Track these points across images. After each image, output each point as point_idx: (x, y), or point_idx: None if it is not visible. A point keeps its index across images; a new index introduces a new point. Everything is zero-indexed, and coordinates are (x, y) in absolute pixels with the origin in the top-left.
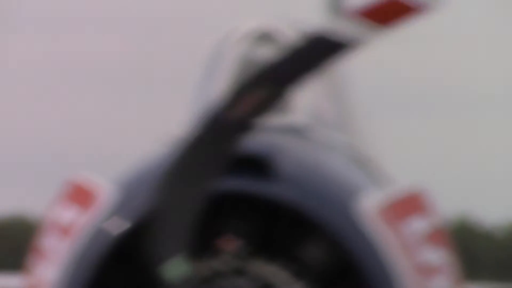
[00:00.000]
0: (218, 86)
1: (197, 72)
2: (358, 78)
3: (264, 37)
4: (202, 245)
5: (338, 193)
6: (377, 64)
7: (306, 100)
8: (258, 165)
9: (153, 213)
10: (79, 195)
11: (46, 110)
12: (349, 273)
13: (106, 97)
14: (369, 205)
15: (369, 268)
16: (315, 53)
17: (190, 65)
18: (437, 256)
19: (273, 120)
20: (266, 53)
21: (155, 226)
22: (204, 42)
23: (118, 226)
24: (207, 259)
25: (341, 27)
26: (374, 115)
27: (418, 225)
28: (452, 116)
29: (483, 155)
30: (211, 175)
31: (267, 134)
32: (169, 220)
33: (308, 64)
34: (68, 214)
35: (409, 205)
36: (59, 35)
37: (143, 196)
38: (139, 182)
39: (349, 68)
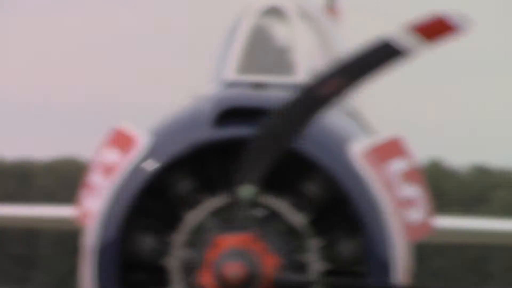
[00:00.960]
0: (236, 51)
1: (217, 41)
2: (349, 45)
3: (272, 11)
4: (224, 178)
5: (333, 140)
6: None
7: (308, 64)
8: (263, 114)
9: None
10: (121, 140)
11: (99, 68)
12: (341, 204)
13: (144, 62)
14: (358, 149)
15: (357, 200)
16: (379, 57)
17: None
18: (412, 191)
19: (284, 79)
20: (273, 24)
21: (245, 156)
22: (225, 17)
23: (152, 166)
24: (226, 191)
25: (400, 38)
26: None
27: (397, 166)
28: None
29: (450, 111)
30: (294, 134)
31: (277, 92)
32: (256, 155)
33: (374, 64)
34: (111, 156)
35: (390, 149)
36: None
37: (172, 141)
38: (169, 130)
39: (342, 39)
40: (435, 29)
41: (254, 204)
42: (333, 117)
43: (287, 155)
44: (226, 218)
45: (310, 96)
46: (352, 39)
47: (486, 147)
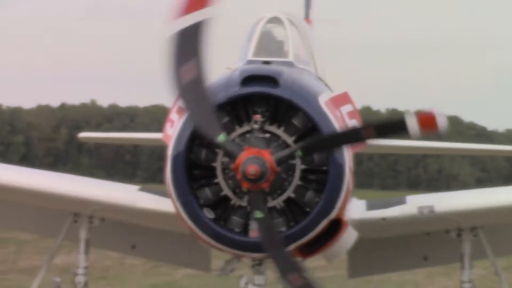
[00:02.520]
0: (252, 43)
1: (239, 40)
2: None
3: (273, 19)
4: (247, 118)
5: (310, 93)
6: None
7: (294, 51)
8: (273, 79)
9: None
10: None
11: None
12: (314, 131)
13: None
14: (324, 99)
15: (324, 127)
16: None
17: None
18: (353, 122)
19: (280, 59)
20: (276, 29)
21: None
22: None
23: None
24: (248, 123)
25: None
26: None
27: (345, 109)
28: None
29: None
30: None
31: (278, 67)
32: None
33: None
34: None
35: (342, 99)
36: None
37: (218, 93)
38: (217, 87)
39: (313, 36)
40: (429, 123)
41: (263, 131)
42: (309, 80)
43: (284, 102)
44: (247, 139)
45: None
46: (319, 37)
47: None
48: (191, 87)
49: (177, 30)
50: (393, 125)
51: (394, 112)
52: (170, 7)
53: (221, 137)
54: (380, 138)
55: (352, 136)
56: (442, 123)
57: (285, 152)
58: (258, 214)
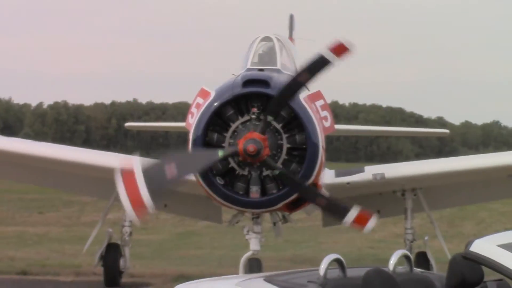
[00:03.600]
0: (251, 55)
1: (244, 52)
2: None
3: (266, 38)
4: (247, 110)
5: None
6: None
7: (281, 61)
8: (265, 82)
9: None
10: (203, 93)
11: None
12: (296, 120)
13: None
14: (303, 96)
15: (303, 117)
16: (319, 63)
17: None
18: (325, 113)
19: (271, 67)
20: (267, 45)
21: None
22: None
23: (217, 103)
24: (247, 114)
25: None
26: None
27: (318, 103)
28: None
29: None
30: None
31: (269, 72)
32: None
33: (317, 68)
34: (199, 100)
35: (316, 96)
36: None
37: (225, 92)
38: (223, 88)
39: (295, 51)
40: (340, 49)
41: (259, 120)
42: None
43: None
44: (248, 127)
45: (293, 82)
46: (300, 52)
47: None
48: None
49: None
50: (318, 62)
51: (354, 106)
52: None
53: (219, 154)
54: (314, 76)
55: (295, 84)
56: (371, 224)
57: (262, 123)
58: (275, 171)
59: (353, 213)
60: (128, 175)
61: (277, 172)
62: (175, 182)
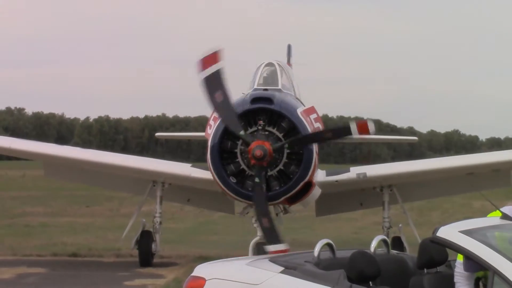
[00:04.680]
0: (257, 77)
1: (251, 75)
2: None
3: (269, 64)
4: (254, 122)
5: (292, 107)
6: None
7: (282, 82)
8: (270, 100)
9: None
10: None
11: None
12: (295, 130)
13: None
14: (300, 110)
15: (300, 127)
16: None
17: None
18: (318, 125)
19: (274, 87)
20: (270, 69)
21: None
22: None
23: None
24: (255, 126)
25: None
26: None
27: (312, 116)
28: None
29: None
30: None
31: (272, 92)
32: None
33: None
34: (215, 114)
35: (310, 110)
36: None
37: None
38: (236, 104)
39: (293, 74)
40: (363, 128)
41: (265, 130)
42: (292, 100)
43: (276, 114)
44: (254, 135)
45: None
46: (296, 73)
47: None
48: (222, 105)
49: (204, 76)
50: (342, 129)
51: (341, 118)
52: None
53: (241, 132)
54: (335, 138)
55: (319, 137)
56: (371, 127)
57: (279, 144)
58: (257, 179)
59: (277, 247)
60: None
61: (256, 180)
62: (213, 103)
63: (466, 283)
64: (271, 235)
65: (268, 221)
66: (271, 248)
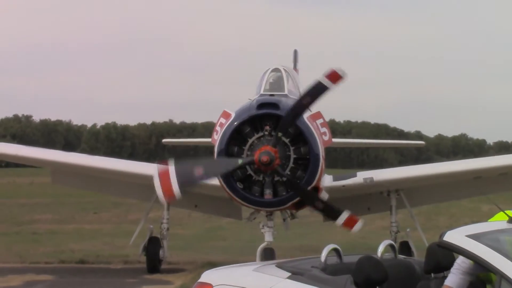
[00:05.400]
0: (263, 83)
1: (257, 81)
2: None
3: (275, 69)
4: (261, 128)
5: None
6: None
7: (288, 88)
8: (276, 105)
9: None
10: (225, 114)
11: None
12: (301, 135)
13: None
14: (306, 115)
15: (306, 132)
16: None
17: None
18: (324, 129)
19: (280, 93)
20: (276, 75)
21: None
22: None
23: (237, 123)
24: (261, 131)
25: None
26: None
27: (319, 121)
28: None
29: None
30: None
31: (278, 97)
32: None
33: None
34: (222, 119)
35: (316, 115)
36: None
37: (242, 114)
38: (241, 110)
39: (299, 80)
40: (335, 76)
41: (271, 135)
42: None
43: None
44: (262, 141)
45: (298, 105)
46: (303, 80)
47: None
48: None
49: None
50: (315, 86)
51: (348, 123)
52: None
53: (239, 162)
54: (315, 99)
55: (299, 107)
56: (342, 72)
57: (274, 139)
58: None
59: (344, 216)
60: (163, 171)
61: (284, 178)
62: (202, 180)
63: (460, 276)
64: (331, 212)
65: (320, 202)
66: (339, 221)
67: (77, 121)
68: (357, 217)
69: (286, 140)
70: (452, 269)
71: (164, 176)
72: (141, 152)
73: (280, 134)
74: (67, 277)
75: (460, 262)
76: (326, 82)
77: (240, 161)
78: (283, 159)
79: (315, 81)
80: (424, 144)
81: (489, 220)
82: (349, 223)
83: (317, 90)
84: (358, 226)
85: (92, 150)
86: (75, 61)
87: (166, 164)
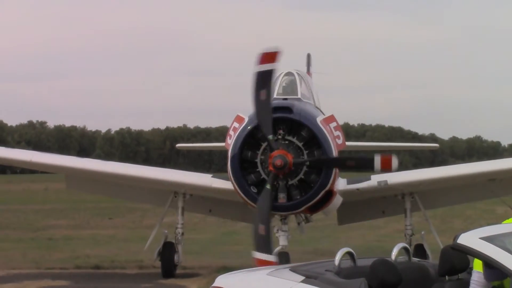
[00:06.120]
0: (276, 90)
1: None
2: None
3: (288, 73)
4: (274, 131)
5: (311, 116)
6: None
7: (301, 91)
8: (289, 109)
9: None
10: (239, 118)
11: None
12: (315, 139)
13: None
14: (320, 119)
15: (320, 136)
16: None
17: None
18: (338, 133)
19: (293, 97)
20: (290, 78)
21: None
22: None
23: (250, 127)
24: (275, 135)
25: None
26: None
27: (332, 124)
28: None
29: None
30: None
31: (292, 101)
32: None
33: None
34: (236, 124)
35: (330, 119)
36: None
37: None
38: (253, 116)
39: (312, 83)
40: (386, 163)
41: (285, 139)
42: (312, 109)
43: (295, 123)
44: (275, 145)
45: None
46: (315, 82)
47: None
48: (262, 104)
49: (258, 71)
50: (366, 161)
51: (362, 126)
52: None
53: (270, 136)
54: (356, 168)
55: (340, 163)
56: (394, 163)
57: (300, 160)
58: (267, 186)
59: (378, 160)
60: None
61: (308, 163)
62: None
63: None
64: (263, 243)
65: (265, 229)
66: (257, 255)
67: (91, 126)
68: (389, 155)
69: (300, 144)
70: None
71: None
72: (156, 157)
73: (307, 164)
74: (83, 283)
75: (476, 279)
76: (377, 163)
77: (268, 186)
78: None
79: (370, 156)
80: (438, 146)
81: (503, 222)
82: (386, 164)
83: (364, 165)
84: (394, 162)
85: (107, 156)
86: (89, 67)
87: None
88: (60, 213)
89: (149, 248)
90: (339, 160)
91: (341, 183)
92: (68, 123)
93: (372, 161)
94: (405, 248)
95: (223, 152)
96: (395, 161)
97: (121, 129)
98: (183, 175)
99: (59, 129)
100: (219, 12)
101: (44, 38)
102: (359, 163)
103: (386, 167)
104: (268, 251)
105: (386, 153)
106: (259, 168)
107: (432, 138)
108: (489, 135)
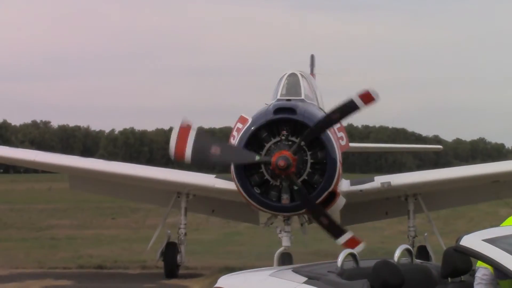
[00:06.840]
0: (280, 88)
1: (274, 85)
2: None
3: (292, 74)
4: (277, 132)
5: (314, 117)
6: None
7: (305, 92)
8: (293, 110)
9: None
10: (242, 119)
11: None
12: (318, 140)
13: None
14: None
15: (323, 138)
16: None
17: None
18: (341, 134)
19: (297, 97)
20: (293, 79)
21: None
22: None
23: (253, 127)
24: (278, 136)
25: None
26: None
27: (336, 126)
28: None
29: None
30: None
31: (295, 102)
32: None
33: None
34: (239, 124)
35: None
36: None
37: (259, 118)
38: (258, 115)
39: (316, 84)
40: (368, 97)
41: (288, 140)
42: (315, 110)
43: (299, 124)
44: (278, 145)
45: (326, 119)
46: (319, 83)
47: None
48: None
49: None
50: (348, 104)
51: (366, 127)
52: None
53: (257, 157)
54: (344, 116)
55: (328, 121)
56: (375, 94)
57: (295, 145)
58: (295, 187)
59: (346, 236)
60: (184, 129)
61: (296, 187)
62: (214, 159)
63: None
64: (334, 230)
65: (326, 218)
66: (340, 240)
67: (95, 126)
68: (360, 239)
69: (303, 145)
70: (476, 285)
71: (182, 135)
72: (159, 157)
73: (302, 143)
74: (85, 282)
75: (481, 275)
76: (358, 101)
77: (257, 157)
78: (300, 163)
79: (348, 98)
80: (442, 148)
81: (501, 225)
82: (351, 244)
83: (348, 108)
84: (359, 247)
85: (110, 156)
86: (93, 67)
87: (190, 125)
88: (63, 213)
89: (152, 248)
90: (325, 119)
91: (344, 184)
92: (72, 123)
93: (353, 101)
94: (407, 250)
95: None
96: (375, 92)
97: (125, 129)
98: (186, 176)
99: (63, 129)
100: (224, 13)
101: (48, 38)
102: (344, 110)
103: (369, 100)
104: (343, 231)
105: (356, 237)
106: (263, 169)
107: (436, 139)
108: (493, 137)
